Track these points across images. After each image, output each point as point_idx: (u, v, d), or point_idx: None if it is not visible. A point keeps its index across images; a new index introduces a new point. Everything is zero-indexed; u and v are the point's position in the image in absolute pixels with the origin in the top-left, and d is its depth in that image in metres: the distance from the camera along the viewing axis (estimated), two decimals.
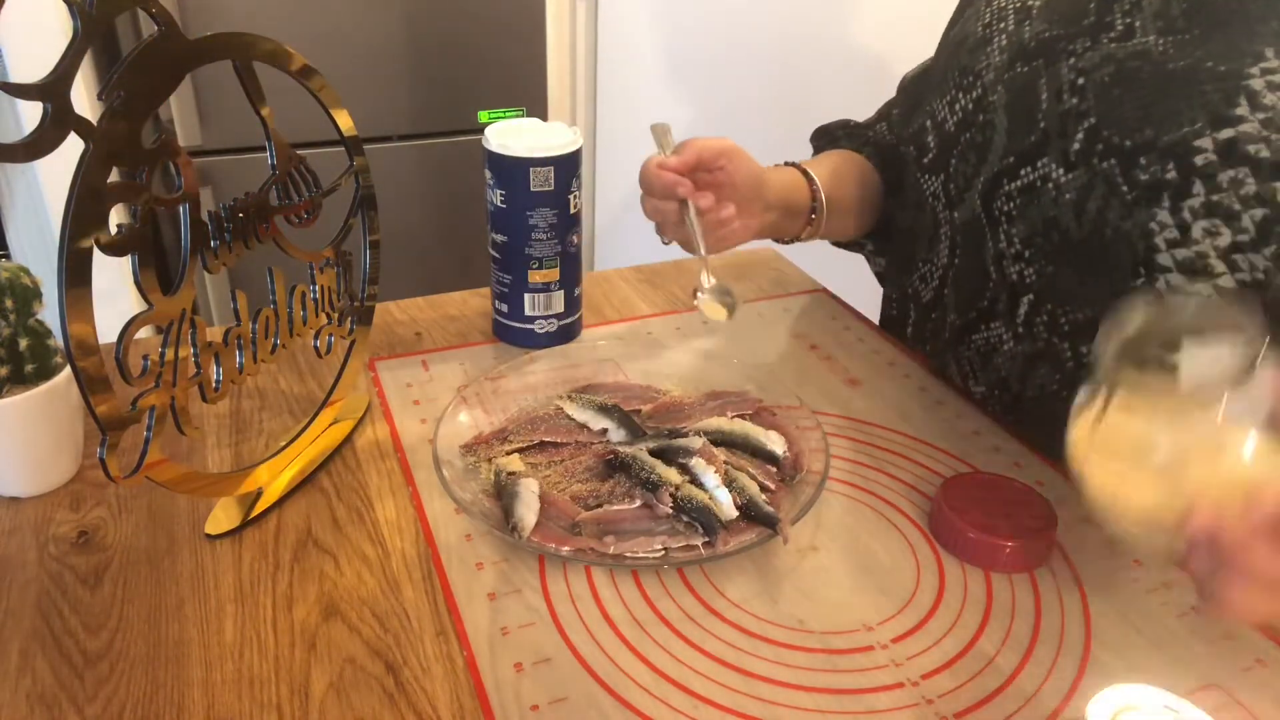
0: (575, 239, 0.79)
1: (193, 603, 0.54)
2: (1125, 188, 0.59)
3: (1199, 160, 0.56)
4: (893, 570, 0.58)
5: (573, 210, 0.77)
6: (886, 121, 0.91)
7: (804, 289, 0.95)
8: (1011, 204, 0.68)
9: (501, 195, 0.75)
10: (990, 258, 0.71)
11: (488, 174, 0.76)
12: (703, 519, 0.57)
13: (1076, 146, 0.63)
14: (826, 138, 0.94)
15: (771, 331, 0.86)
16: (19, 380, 0.59)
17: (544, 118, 1.72)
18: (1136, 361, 0.45)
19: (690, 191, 0.71)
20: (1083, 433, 0.47)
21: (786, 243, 0.87)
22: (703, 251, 0.72)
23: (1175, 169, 0.57)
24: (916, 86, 0.87)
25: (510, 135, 0.75)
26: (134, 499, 0.62)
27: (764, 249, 1.02)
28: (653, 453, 0.62)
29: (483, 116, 1.91)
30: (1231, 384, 0.42)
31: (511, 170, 0.74)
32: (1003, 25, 0.71)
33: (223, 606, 0.54)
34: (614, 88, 2.11)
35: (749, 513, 0.59)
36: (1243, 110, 0.55)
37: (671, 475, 0.60)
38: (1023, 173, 0.66)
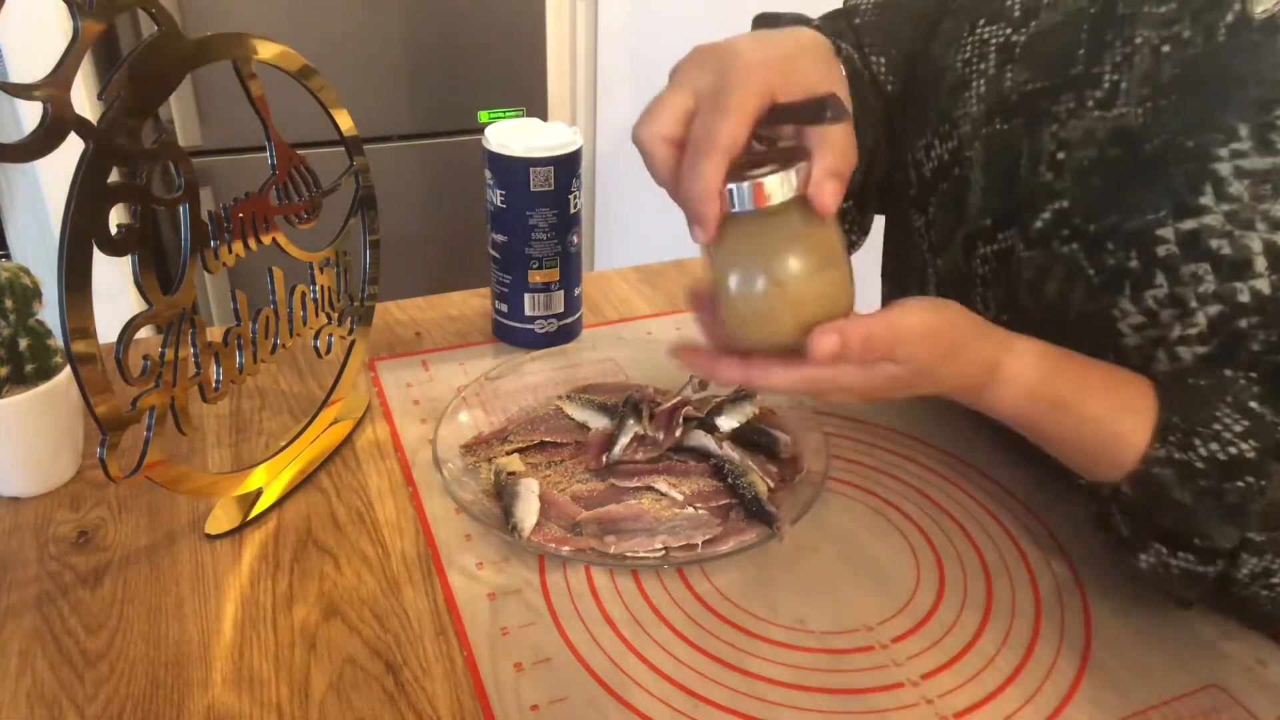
0: (575, 239, 0.79)
1: (193, 603, 0.54)
2: (1092, 271, 0.56)
3: (1161, 250, 0.52)
4: (893, 570, 0.58)
5: (573, 210, 0.77)
6: (885, 57, 0.76)
7: None
8: (987, 267, 0.63)
9: (501, 195, 0.75)
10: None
11: (488, 174, 0.76)
12: (758, 509, 0.60)
13: (1039, 225, 0.58)
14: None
15: None
16: (19, 380, 0.59)
17: (544, 118, 1.72)
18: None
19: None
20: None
21: None
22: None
23: (1137, 258, 0.53)
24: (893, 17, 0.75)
25: (510, 135, 0.75)
26: (134, 499, 0.62)
27: None
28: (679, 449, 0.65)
29: (483, 116, 1.91)
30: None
31: (511, 170, 0.74)
32: (983, 66, 0.64)
33: (223, 606, 0.54)
34: (614, 88, 2.11)
35: (751, 509, 0.59)
36: (1207, 199, 0.51)
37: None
38: (1000, 237, 0.62)
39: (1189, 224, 0.51)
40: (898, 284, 0.80)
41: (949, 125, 0.65)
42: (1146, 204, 0.53)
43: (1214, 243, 0.50)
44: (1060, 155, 0.57)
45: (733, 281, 0.47)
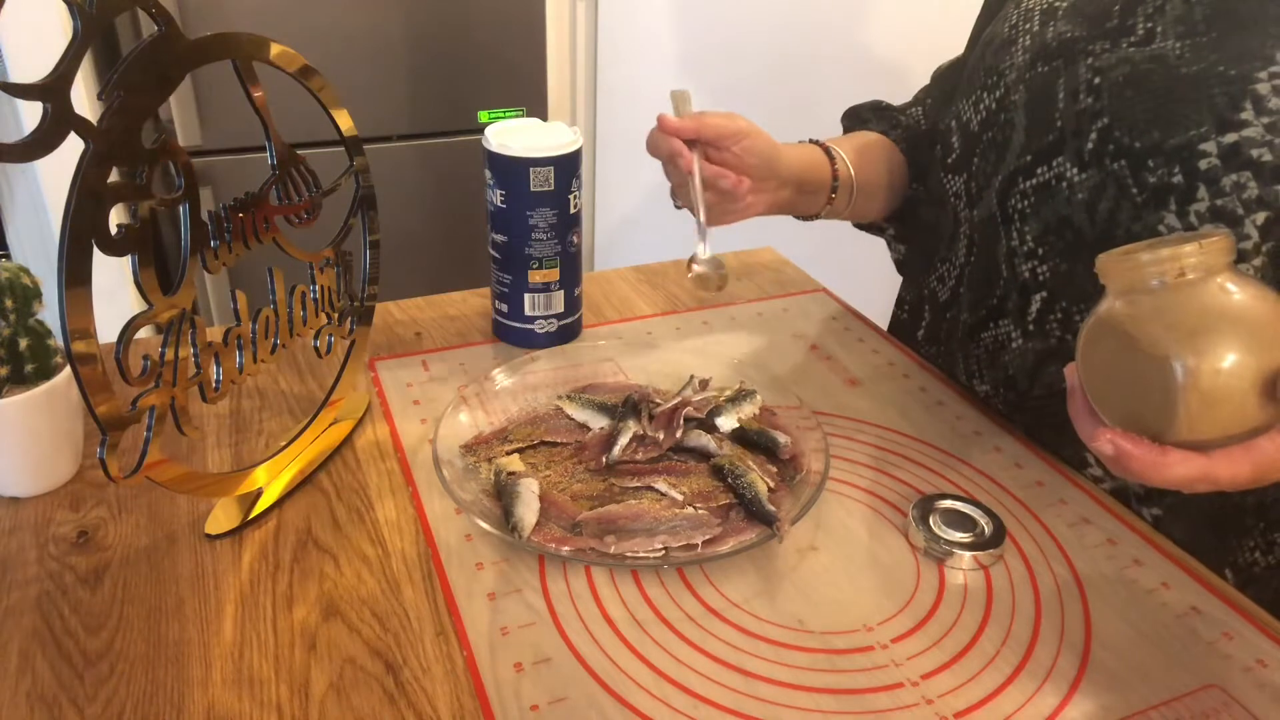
0: (575, 239, 0.79)
1: (193, 603, 0.54)
2: (1135, 190, 0.60)
3: (1203, 164, 0.56)
4: (893, 570, 0.58)
5: (573, 210, 0.77)
6: (922, 107, 0.91)
7: (804, 289, 0.95)
8: (1026, 202, 0.68)
9: (501, 195, 0.75)
10: (1002, 255, 0.71)
11: (488, 174, 0.76)
12: (758, 508, 0.59)
13: (1090, 146, 0.63)
14: (856, 119, 0.93)
15: (771, 331, 0.86)
16: (19, 380, 0.59)
17: (544, 118, 1.72)
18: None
19: (689, 165, 0.70)
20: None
21: (807, 219, 0.86)
22: (703, 219, 0.72)
23: (1181, 172, 0.57)
24: (949, 77, 0.87)
25: (510, 135, 0.75)
26: (134, 499, 0.62)
27: (764, 249, 1.02)
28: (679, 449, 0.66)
29: (483, 116, 1.90)
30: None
31: (511, 170, 0.74)
32: (1028, 26, 0.71)
33: (223, 606, 0.54)
34: (614, 88, 2.11)
35: (750, 509, 0.59)
36: (1247, 114, 0.55)
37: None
38: (1039, 171, 0.67)
39: (1230, 137, 0.56)
40: (923, 257, 0.85)
41: (996, 77, 0.72)
42: (1188, 120, 0.57)
43: (1255, 152, 0.55)
44: (1096, 80, 0.62)
45: (1179, 368, 0.42)
